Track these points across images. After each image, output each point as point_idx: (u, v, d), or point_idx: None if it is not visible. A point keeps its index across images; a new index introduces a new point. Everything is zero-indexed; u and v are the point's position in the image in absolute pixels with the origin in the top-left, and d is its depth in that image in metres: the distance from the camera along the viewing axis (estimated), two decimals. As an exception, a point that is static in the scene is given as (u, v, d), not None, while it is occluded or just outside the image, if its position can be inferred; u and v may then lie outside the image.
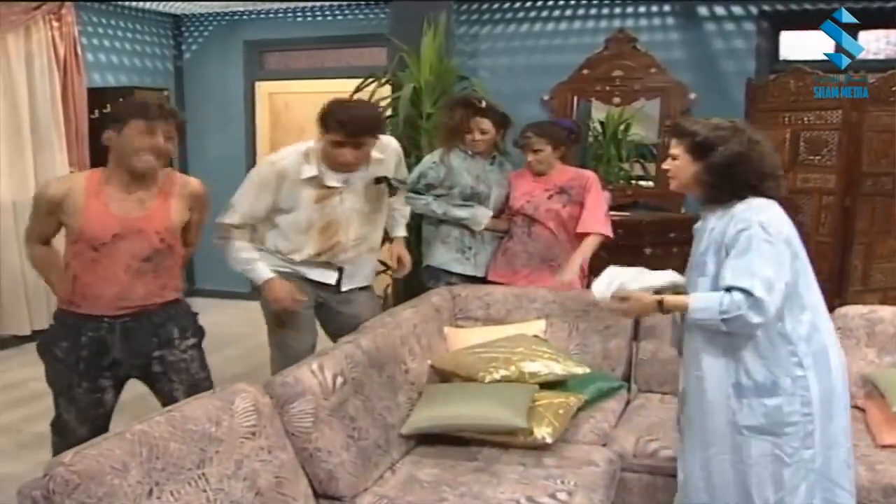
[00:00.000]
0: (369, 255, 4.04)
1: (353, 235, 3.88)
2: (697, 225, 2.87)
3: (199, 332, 3.38)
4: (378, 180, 3.90)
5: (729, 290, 2.59)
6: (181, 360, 3.26)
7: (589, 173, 4.59)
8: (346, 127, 3.58)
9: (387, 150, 3.93)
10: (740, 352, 2.66)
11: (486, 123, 4.47)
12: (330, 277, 3.93)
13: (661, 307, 2.79)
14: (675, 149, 2.80)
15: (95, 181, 3.08)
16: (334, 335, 3.89)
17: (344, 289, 3.97)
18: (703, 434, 2.76)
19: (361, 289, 4.06)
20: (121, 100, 3.28)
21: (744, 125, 2.78)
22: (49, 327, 3.27)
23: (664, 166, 2.87)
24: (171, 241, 3.18)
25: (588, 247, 4.38)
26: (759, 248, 2.58)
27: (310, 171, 3.72)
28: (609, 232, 4.43)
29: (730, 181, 2.69)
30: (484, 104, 4.50)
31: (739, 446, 2.68)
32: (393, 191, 4.00)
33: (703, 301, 2.67)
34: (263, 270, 3.78)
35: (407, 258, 4.25)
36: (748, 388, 2.65)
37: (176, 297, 3.29)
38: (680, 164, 2.80)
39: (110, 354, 3.13)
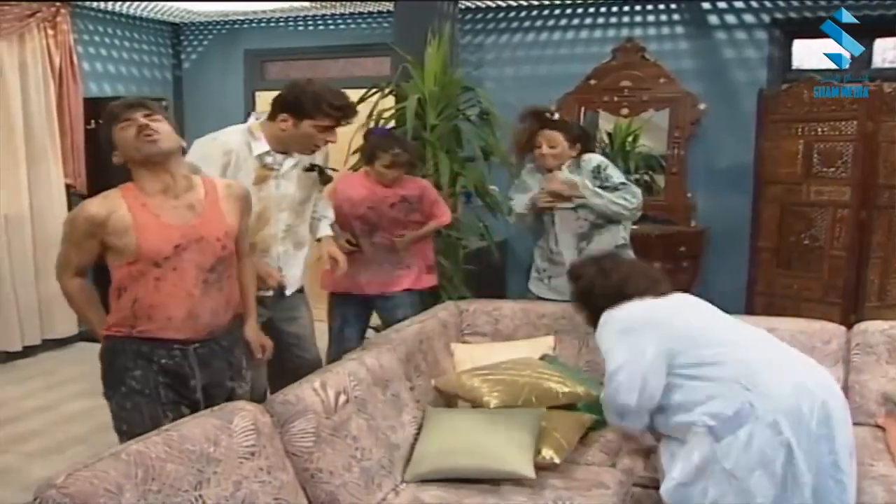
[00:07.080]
0: (298, 251, 3.76)
1: (283, 225, 3.62)
2: None
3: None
4: (310, 168, 3.69)
5: None
6: (246, 391, 3.04)
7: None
8: (343, 111, 3.43)
9: None
10: (680, 449, 2.85)
11: (557, 137, 4.26)
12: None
13: None
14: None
15: (132, 195, 2.75)
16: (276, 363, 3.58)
17: (288, 293, 3.71)
18: None
19: (303, 303, 3.84)
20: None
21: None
22: (106, 364, 2.84)
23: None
24: (232, 248, 2.91)
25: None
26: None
27: (260, 146, 3.49)
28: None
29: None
30: (555, 116, 4.33)
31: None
32: (325, 179, 3.79)
33: None
34: None
35: (342, 257, 3.97)
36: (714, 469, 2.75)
37: (236, 314, 3.04)
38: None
39: (190, 382, 2.85)
